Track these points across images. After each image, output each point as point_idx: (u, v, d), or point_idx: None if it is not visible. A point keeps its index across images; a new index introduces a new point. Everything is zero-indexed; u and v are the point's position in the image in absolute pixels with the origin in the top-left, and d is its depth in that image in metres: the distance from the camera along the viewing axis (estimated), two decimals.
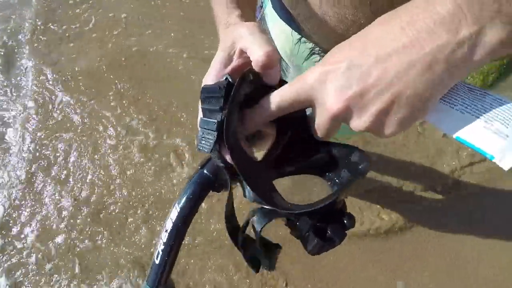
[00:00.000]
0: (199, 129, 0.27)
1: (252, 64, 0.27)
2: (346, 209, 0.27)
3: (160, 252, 0.27)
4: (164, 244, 0.28)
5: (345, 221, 0.25)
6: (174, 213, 0.28)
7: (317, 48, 0.53)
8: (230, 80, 0.26)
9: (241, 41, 0.29)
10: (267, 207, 0.25)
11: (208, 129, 0.26)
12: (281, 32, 0.56)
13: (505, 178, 1.35)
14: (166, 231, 0.28)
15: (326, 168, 0.29)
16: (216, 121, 0.25)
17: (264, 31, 0.30)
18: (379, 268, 1.22)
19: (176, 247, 0.28)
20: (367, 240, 1.25)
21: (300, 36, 0.53)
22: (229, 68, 0.30)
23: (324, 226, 0.24)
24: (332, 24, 0.43)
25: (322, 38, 0.49)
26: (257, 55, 0.27)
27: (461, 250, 1.24)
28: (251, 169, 0.27)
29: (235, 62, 0.30)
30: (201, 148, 0.26)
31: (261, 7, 0.61)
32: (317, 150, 0.29)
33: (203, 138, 0.26)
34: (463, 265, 1.22)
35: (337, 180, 0.28)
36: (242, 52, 0.29)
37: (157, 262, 0.28)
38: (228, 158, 0.26)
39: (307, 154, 0.29)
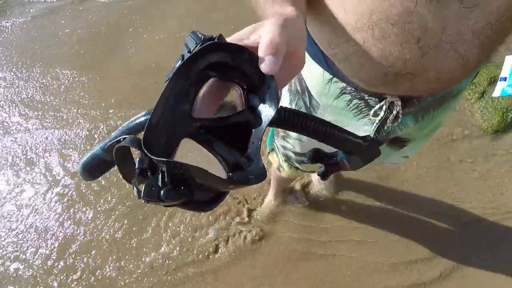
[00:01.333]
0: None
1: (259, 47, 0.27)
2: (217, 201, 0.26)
3: (118, 131, 0.32)
4: (123, 127, 0.31)
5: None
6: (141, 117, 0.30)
7: (349, 88, 0.53)
8: (215, 38, 0.27)
9: (262, 27, 0.28)
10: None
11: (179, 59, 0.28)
12: (312, 72, 0.56)
13: None
14: (132, 121, 0.31)
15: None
16: (181, 57, 0.28)
17: (291, 23, 0.29)
18: None
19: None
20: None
21: (331, 76, 0.52)
22: (239, 42, 0.28)
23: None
24: (374, 62, 0.42)
25: (360, 76, 0.48)
26: (263, 39, 0.26)
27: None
28: (172, 113, 0.26)
29: (249, 40, 0.28)
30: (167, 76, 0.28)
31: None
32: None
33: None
34: None
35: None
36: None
37: (112, 135, 0.32)
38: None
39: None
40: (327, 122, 0.31)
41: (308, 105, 0.61)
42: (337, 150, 0.35)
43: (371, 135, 0.58)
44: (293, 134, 0.70)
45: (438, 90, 0.48)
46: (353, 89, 0.52)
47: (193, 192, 0.23)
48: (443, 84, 0.46)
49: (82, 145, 1.59)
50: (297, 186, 1.37)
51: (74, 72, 1.86)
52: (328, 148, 0.36)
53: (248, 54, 0.27)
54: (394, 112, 0.51)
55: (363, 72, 0.46)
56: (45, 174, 1.50)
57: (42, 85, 1.81)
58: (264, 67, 0.26)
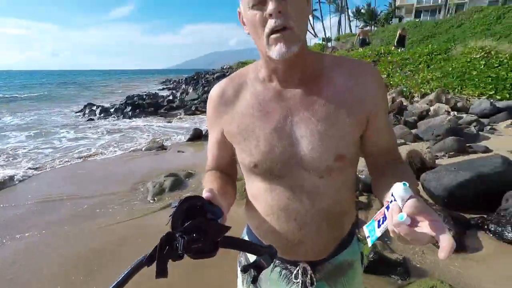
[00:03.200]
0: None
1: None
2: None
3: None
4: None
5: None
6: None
7: (277, 261, 0.79)
8: (181, 200, 0.51)
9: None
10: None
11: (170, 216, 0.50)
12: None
13: None
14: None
15: None
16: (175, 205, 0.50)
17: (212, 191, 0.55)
18: None
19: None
20: None
21: None
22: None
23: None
24: (279, 235, 0.73)
25: (277, 246, 0.70)
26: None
27: None
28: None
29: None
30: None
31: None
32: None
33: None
34: None
35: None
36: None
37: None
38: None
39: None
40: (241, 239, 0.54)
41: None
42: (255, 258, 0.54)
43: None
44: None
45: (323, 255, 0.75)
46: (280, 261, 0.78)
47: (205, 240, 0.45)
48: (323, 251, 0.74)
49: None
50: None
51: None
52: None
53: (199, 199, 0.53)
54: (309, 275, 0.75)
55: (277, 243, 0.73)
56: None
57: None
58: (206, 197, 0.53)
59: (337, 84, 0.70)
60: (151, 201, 3.38)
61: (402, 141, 4.66)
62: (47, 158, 5.32)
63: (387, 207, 0.52)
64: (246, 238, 0.87)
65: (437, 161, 3.59)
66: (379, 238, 0.55)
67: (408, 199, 0.48)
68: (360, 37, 14.84)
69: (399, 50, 11.28)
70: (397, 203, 0.49)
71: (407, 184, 0.48)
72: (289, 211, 0.72)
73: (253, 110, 0.72)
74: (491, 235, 2.27)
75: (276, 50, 0.62)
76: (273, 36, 0.62)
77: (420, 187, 3.04)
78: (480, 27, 12.70)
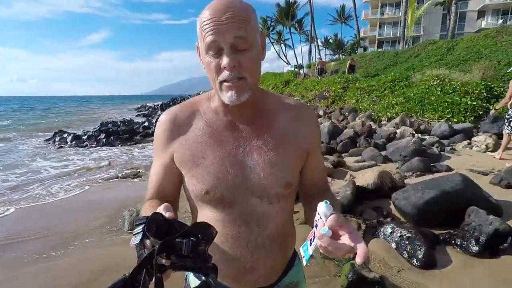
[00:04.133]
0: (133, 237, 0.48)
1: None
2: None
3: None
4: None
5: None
6: None
7: None
8: (149, 216, 0.48)
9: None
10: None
11: (137, 232, 0.47)
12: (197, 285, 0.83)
13: None
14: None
15: None
16: (141, 231, 0.46)
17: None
18: None
19: None
20: None
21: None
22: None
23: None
24: (230, 261, 0.73)
25: (227, 274, 0.75)
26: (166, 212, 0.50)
27: None
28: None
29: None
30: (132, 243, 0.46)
31: (185, 279, 0.86)
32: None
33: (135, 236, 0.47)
34: None
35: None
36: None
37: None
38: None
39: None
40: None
41: None
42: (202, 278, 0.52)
43: None
44: None
45: (273, 279, 0.77)
46: None
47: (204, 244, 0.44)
48: (273, 274, 0.76)
49: None
50: None
51: None
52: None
53: (162, 216, 0.50)
54: None
55: (228, 270, 0.73)
56: None
57: None
58: (167, 215, 0.49)
59: (283, 121, 0.76)
60: (128, 230, 3.26)
61: (373, 162, 4.93)
62: (13, 194, 4.98)
63: (316, 225, 0.56)
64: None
65: (406, 181, 3.83)
66: (312, 256, 0.57)
67: (330, 215, 0.53)
68: (319, 67, 16.39)
69: (351, 74, 13.83)
70: (322, 220, 0.54)
71: (328, 202, 0.54)
72: (241, 238, 0.72)
73: (206, 138, 0.73)
74: (458, 249, 2.43)
75: (227, 97, 0.66)
76: (225, 83, 0.65)
77: (392, 206, 3.23)
78: (434, 57, 14.04)
